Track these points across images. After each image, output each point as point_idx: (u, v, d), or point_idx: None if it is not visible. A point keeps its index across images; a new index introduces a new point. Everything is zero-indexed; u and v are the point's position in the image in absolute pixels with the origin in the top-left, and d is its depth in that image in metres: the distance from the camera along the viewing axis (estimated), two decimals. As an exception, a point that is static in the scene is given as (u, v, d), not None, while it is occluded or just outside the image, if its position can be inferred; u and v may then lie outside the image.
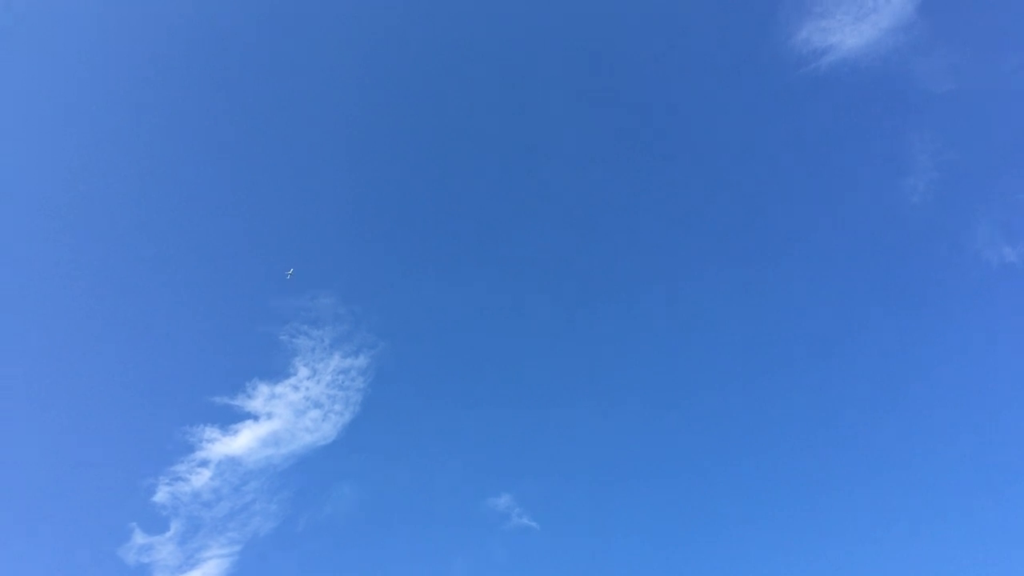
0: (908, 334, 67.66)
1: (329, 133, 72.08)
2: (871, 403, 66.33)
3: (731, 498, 64.20)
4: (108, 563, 59.25)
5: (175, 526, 61.07)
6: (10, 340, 63.74)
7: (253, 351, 65.80)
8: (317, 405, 64.99)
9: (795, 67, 68.83)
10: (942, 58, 66.87)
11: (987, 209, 66.16)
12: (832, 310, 69.27)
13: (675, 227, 71.79)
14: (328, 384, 65.53)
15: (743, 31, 70.88)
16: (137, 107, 68.89)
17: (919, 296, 67.96)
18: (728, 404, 67.19)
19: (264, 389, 64.49)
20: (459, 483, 65.50)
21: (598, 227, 71.98)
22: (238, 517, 62.15)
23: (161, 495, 61.57)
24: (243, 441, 63.45)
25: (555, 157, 73.42)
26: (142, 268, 67.10)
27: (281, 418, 64.20)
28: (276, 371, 65.12)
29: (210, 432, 63.08)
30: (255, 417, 63.93)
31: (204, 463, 62.65)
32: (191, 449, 62.65)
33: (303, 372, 65.41)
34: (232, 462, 63.05)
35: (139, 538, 60.22)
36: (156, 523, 60.92)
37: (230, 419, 63.64)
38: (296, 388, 65.02)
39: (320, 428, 64.56)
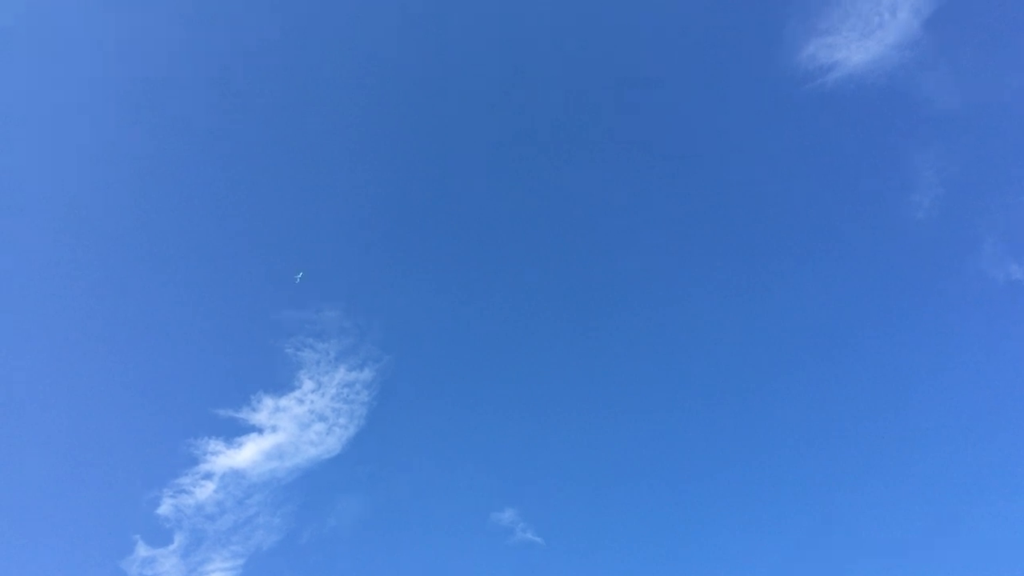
0: (913, 351, 67.60)
1: (334, 147, 72.46)
2: (876, 419, 66.17)
3: (741, 512, 64.26)
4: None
5: (179, 539, 61.08)
6: (13, 350, 63.90)
7: (258, 364, 66.00)
8: (322, 418, 65.11)
9: (800, 83, 69.12)
10: (948, 74, 67.14)
11: (993, 226, 66.13)
12: (836, 325, 69.31)
13: (682, 240, 71.85)
14: (333, 397, 65.62)
15: (749, 48, 71.39)
16: (143, 116, 69.29)
17: (924, 313, 68.02)
18: (736, 417, 67.16)
19: (269, 402, 64.63)
20: (463, 497, 65.57)
21: (605, 239, 72.10)
22: (242, 530, 62.19)
23: (165, 508, 61.63)
24: (247, 454, 63.51)
25: (562, 169, 73.72)
26: (146, 281, 67.34)
27: (286, 431, 64.29)
28: (281, 384, 65.29)
29: (214, 445, 63.19)
30: (260, 430, 64.03)
31: (208, 476, 62.70)
32: (195, 462, 62.77)
33: (308, 385, 65.53)
34: (236, 475, 63.09)
35: (142, 551, 60.23)
36: (160, 536, 60.99)
37: (235, 432, 63.79)
38: (301, 401, 65.13)
39: (324, 441, 64.62)
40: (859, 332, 68.63)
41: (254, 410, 64.15)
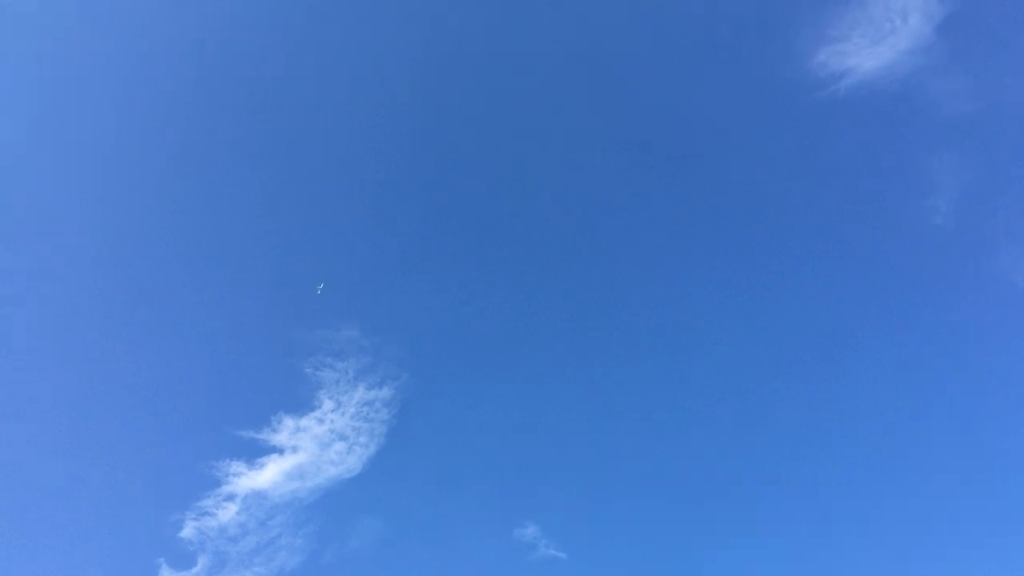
0: (932, 356, 67.23)
1: (346, 165, 72.77)
2: (894, 427, 66.01)
3: (766, 522, 63.89)
4: (136, 600, 59.44)
5: (202, 561, 61.13)
6: (33, 375, 64.35)
7: (278, 384, 66.16)
8: (342, 437, 65.13)
9: (812, 91, 69.00)
10: (962, 78, 66.89)
11: (1011, 229, 65.84)
12: (855, 330, 69.02)
13: (697, 250, 71.77)
14: (353, 416, 65.69)
15: (759, 57, 71.29)
16: (163, 137, 70.02)
17: (942, 317, 67.56)
18: (755, 428, 66.90)
19: (289, 422, 64.72)
20: (485, 514, 65.42)
21: (620, 250, 72.08)
22: (264, 551, 62.18)
23: (188, 530, 61.71)
24: (269, 475, 63.57)
25: (579, 181, 73.87)
26: (164, 304, 67.70)
27: (306, 451, 64.34)
28: (301, 404, 65.41)
29: (236, 466, 63.31)
30: (280, 451, 64.14)
31: (230, 497, 62.80)
32: (217, 484, 62.91)
33: (328, 405, 65.63)
34: (258, 496, 63.19)
35: (166, 574, 60.34)
36: (183, 559, 61.03)
37: (256, 453, 63.91)
38: (321, 421, 65.22)
39: (345, 461, 64.62)
40: (877, 337, 68.44)
41: (275, 431, 64.37)
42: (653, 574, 62.60)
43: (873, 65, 67.58)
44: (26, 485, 61.75)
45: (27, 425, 62.75)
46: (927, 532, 62.13)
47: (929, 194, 66.70)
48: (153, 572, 60.03)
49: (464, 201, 73.04)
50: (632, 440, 67.27)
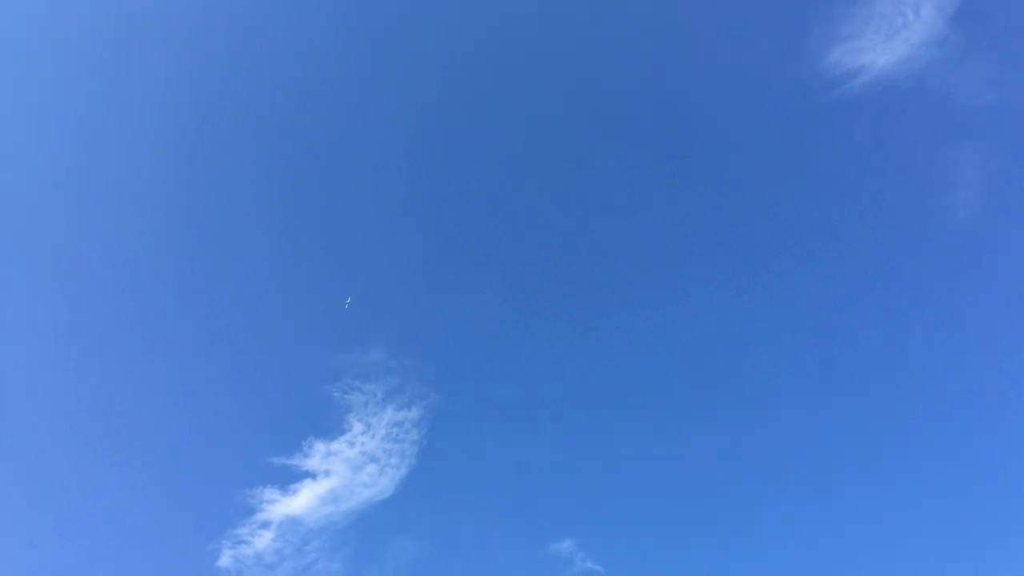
0: (961, 351, 66.33)
1: (368, 193, 73.50)
2: (919, 426, 65.26)
3: (804, 535, 63.00)
4: (177, 631, 59.75)
5: (240, 590, 61.40)
6: (64, 407, 65.16)
7: (308, 409, 66.56)
8: (373, 460, 65.22)
9: (827, 90, 68.57)
10: (980, 69, 66.09)
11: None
12: (882, 330, 68.34)
13: (720, 254, 71.43)
14: (383, 438, 65.79)
15: (772, 59, 71.12)
16: (190, 171, 71.09)
17: (973, 313, 66.63)
18: (793, 440, 66.22)
19: (320, 447, 64.97)
20: (520, 530, 65.07)
21: (646, 259, 72.05)
22: (302, 577, 62.30)
23: (225, 559, 61.95)
24: (303, 500, 63.74)
25: (595, 190, 74.01)
26: (193, 336, 68.63)
27: (339, 475, 64.46)
28: (331, 428, 65.66)
29: (270, 493, 63.57)
30: (313, 475, 64.32)
31: (266, 525, 62.98)
32: (252, 511, 63.13)
33: (358, 427, 65.79)
34: (293, 522, 63.31)
35: (206, 604, 60.61)
36: (222, 588, 61.37)
37: (289, 479, 64.15)
38: (352, 444, 65.36)
39: (378, 483, 64.66)
40: (905, 333, 67.74)
41: (306, 456, 64.61)
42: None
43: (887, 61, 67.26)
44: (63, 519, 62.67)
45: (62, 458, 63.83)
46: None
47: (953, 188, 66.01)
48: (193, 602, 60.50)
49: (482, 217, 73.58)
50: (668, 450, 67.10)
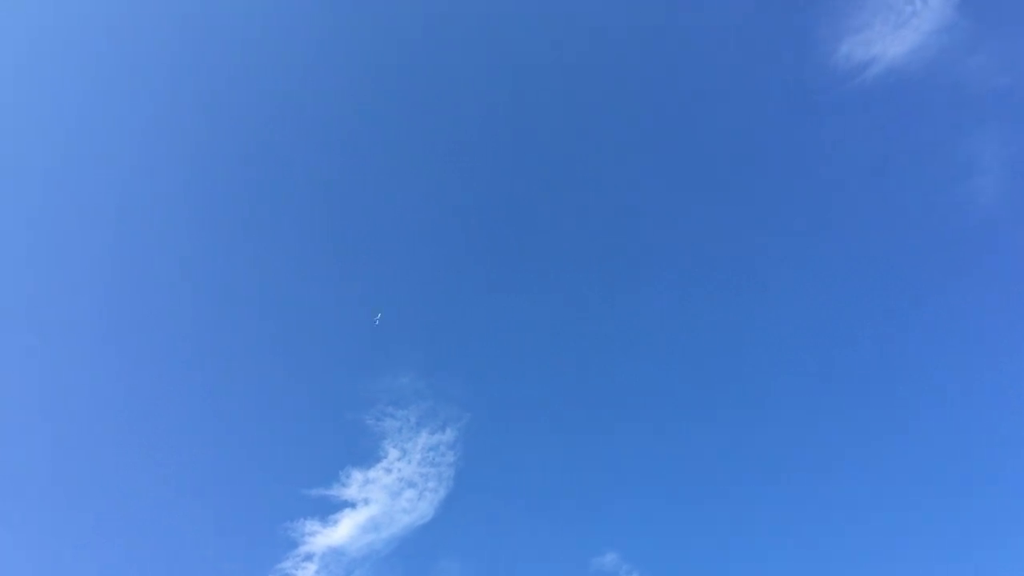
0: (989, 339, 65.99)
1: (389, 218, 73.50)
2: (944, 418, 65.04)
3: (847, 547, 62.82)
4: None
5: (289, 624, 61.54)
6: (102, 456, 65.45)
7: (342, 439, 66.68)
8: (411, 485, 65.25)
9: (839, 84, 68.32)
10: (992, 53, 65.77)
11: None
12: (912, 315, 68.00)
13: (745, 252, 71.14)
14: (419, 462, 65.81)
15: (781, 56, 70.88)
16: (227, 190, 71.32)
17: (998, 299, 66.27)
18: (847, 439, 66.04)
19: (358, 475, 65.00)
20: (562, 546, 64.92)
21: (671, 270, 71.79)
22: (348, 607, 62.40)
23: (271, 594, 62.13)
24: (344, 530, 63.80)
25: (609, 194, 73.76)
26: (223, 376, 68.75)
27: (378, 502, 64.54)
28: (367, 456, 65.79)
29: (311, 525, 63.68)
30: (352, 504, 64.40)
31: (309, 557, 63.08)
32: (295, 545, 63.24)
33: (393, 453, 65.86)
34: (336, 553, 63.38)
35: (256, 641, 60.79)
36: (271, 624, 61.51)
37: (328, 509, 64.28)
38: (388, 470, 65.43)
39: (417, 507, 64.71)
40: (934, 320, 67.43)
41: (344, 485, 64.69)
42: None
43: (898, 51, 66.93)
44: (109, 566, 62.90)
45: (103, 507, 64.15)
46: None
47: (973, 173, 65.64)
48: (243, 640, 60.68)
49: (506, 233, 73.45)
50: (708, 458, 66.91)
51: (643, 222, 72.29)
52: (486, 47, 75.08)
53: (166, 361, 68.18)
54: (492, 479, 66.83)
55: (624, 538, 63.96)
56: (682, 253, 71.54)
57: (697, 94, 73.23)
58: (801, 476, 65.78)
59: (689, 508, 65.93)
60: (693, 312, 70.57)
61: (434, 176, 74.17)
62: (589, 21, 73.83)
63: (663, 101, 73.83)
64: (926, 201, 67.55)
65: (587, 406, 69.14)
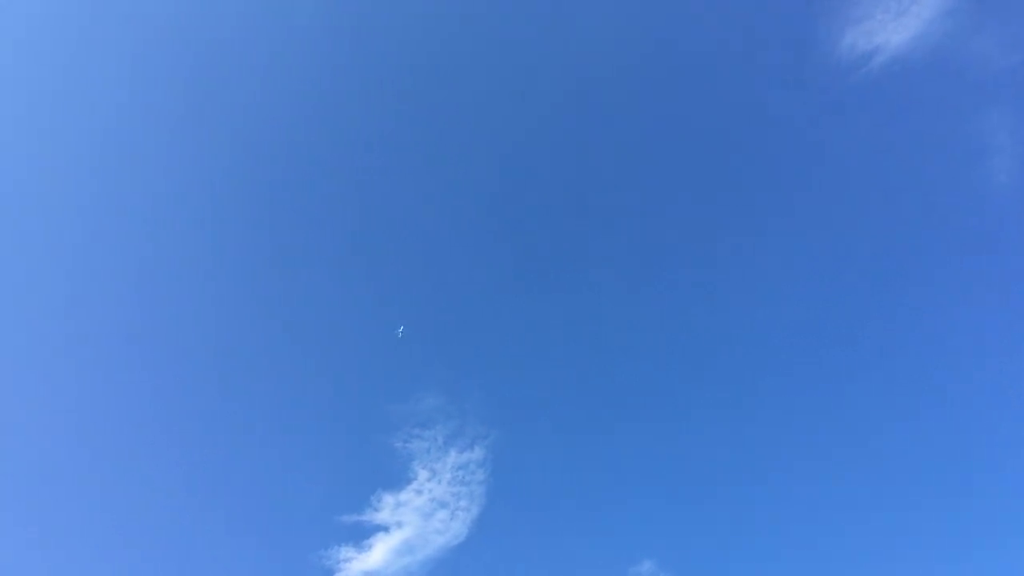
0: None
1: (402, 238, 74.04)
2: (974, 401, 64.26)
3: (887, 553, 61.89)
4: None
5: (329, 652, 61.37)
6: (135, 481, 65.90)
7: (371, 463, 66.72)
8: (443, 505, 65.12)
9: (845, 75, 68.04)
10: (996, 33, 65.23)
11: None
12: (931, 305, 67.27)
13: (768, 244, 70.84)
14: (449, 482, 65.71)
15: (785, 52, 70.77)
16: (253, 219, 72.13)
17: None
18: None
19: (389, 499, 65.03)
20: (597, 557, 64.37)
21: (687, 272, 71.49)
22: (387, 631, 62.16)
23: (310, 623, 62.06)
24: (378, 555, 63.67)
25: (624, 202, 73.72)
26: (254, 406, 69.19)
27: (411, 525, 64.42)
28: (397, 479, 65.76)
29: (345, 552, 63.59)
30: (385, 528, 64.31)
31: (345, 583, 63.04)
32: (331, 572, 63.13)
33: (423, 475, 65.75)
34: (371, 577, 63.32)
35: (298, 672, 60.65)
36: (311, 653, 61.40)
37: (361, 535, 64.22)
38: (419, 492, 65.33)
39: (450, 528, 64.48)
40: (957, 309, 66.55)
41: (376, 510, 64.68)
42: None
43: (902, 38, 66.61)
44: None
45: (134, 536, 64.61)
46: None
47: (988, 155, 64.97)
48: (284, 671, 60.58)
49: (519, 244, 73.69)
50: (741, 462, 66.31)
51: (656, 223, 72.47)
52: (507, 55, 75.56)
53: (196, 396, 68.85)
54: (523, 494, 66.73)
55: (659, 546, 63.54)
56: (691, 253, 71.48)
57: (700, 96, 73.30)
58: (836, 480, 64.94)
59: (723, 513, 65.38)
60: (718, 315, 70.33)
61: (451, 198, 74.76)
62: (591, 18, 74.14)
63: (667, 102, 73.94)
64: (940, 184, 67.09)
65: (614, 414, 69.04)
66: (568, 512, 66.04)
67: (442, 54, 74.91)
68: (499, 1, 75.67)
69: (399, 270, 73.30)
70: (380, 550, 63.76)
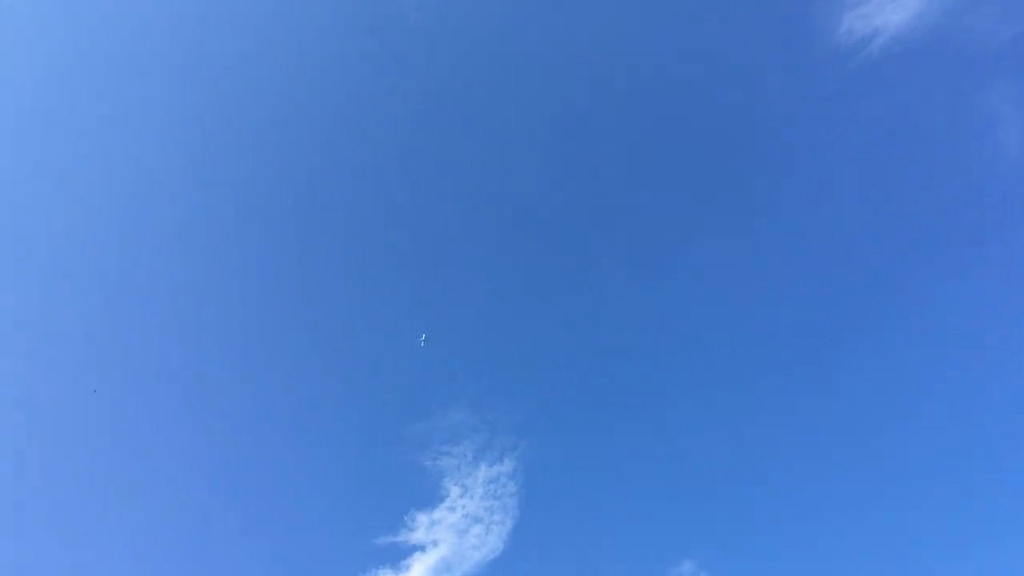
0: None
1: (420, 256, 74.13)
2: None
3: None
4: None
5: (374, 677, 61.29)
6: (173, 508, 66.07)
7: (402, 484, 66.66)
8: (477, 520, 64.98)
9: (846, 59, 67.88)
10: (995, 5, 65.12)
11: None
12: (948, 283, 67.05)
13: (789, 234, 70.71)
14: (482, 496, 65.60)
15: (783, 39, 70.70)
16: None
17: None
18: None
19: (423, 518, 64.90)
20: (635, 561, 64.14)
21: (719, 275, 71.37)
22: (431, 651, 62.01)
23: (353, 648, 61.94)
24: (416, 575, 63.64)
25: (635, 204, 73.61)
26: (291, 437, 69.31)
27: (446, 542, 64.30)
28: (429, 497, 65.70)
29: (383, 574, 63.49)
30: (422, 548, 64.21)
31: (385, 606, 62.92)
32: (371, 596, 63.11)
33: (455, 491, 65.71)
34: (411, 598, 63.18)
35: None
36: None
37: (399, 556, 64.06)
38: (452, 509, 65.25)
39: (486, 542, 64.38)
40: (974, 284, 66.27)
41: (411, 529, 64.54)
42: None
43: (900, 19, 66.48)
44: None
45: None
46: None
47: (996, 128, 64.74)
48: None
49: (538, 253, 73.62)
50: (774, 456, 66.18)
51: (657, 223, 72.42)
52: (507, 55, 75.57)
53: (225, 427, 68.93)
54: (557, 502, 66.56)
55: (697, 545, 63.27)
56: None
57: (699, 92, 73.20)
58: (877, 477, 64.65)
59: (759, 511, 65.07)
60: (740, 313, 70.15)
61: (469, 212, 74.80)
62: (589, 16, 74.15)
63: (665, 96, 73.89)
64: (952, 160, 66.74)
65: (642, 416, 68.81)
66: (603, 516, 66.03)
67: (445, 59, 75.21)
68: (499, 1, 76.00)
69: (412, 287, 73.41)
70: (418, 570, 63.69)
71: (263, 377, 70.49)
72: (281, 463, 68.78)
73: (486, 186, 74.83)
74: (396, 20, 73.93)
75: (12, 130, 70.35)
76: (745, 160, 72.33)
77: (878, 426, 65.27)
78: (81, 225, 70.62)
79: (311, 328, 72.20)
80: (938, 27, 65.89)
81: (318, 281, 72.84)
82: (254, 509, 66.84)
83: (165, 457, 67.57)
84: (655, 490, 66.02)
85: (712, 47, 72.31)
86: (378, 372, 70.85)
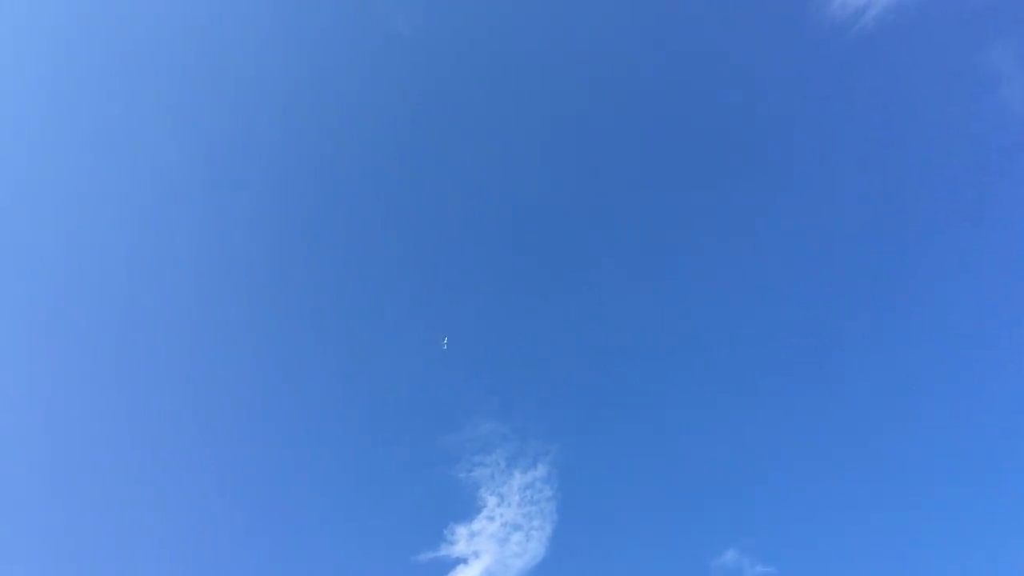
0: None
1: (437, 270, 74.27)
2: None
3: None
4: None
5: None
6: (209, 530, 66.20)
7: (439, 498, 66.58)
8: (516, 528, 64.91)
9: (840, 32, 67.67)
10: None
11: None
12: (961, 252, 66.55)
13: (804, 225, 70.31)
14: (519, 503, 65.56)
15: (774, 19, 70.49)
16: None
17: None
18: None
19: (462, 531, 64.91)
20: (679, 553, 63.96)
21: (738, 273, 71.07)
22: (482, 664, 61.95)
23: (404, 667, 61.97)
24: (462, 588, 63.63)
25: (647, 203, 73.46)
26: (321, 456, 69.43)
27: (488, 552, 64.28)
28: (467, 509, 65.69)
29: (428, 590, 63.57)
30: (464, 560, 64.20)
31: (433, 622, 62.93)
32: (418, 613, 63.14)
33: (491, 501, 65.69)
34: (458, 611, 63.17)
35: None
36: None
37: (441, 570, 64.00)
38: (491, 519, 65.24)
39: (527, 549, 64.32)
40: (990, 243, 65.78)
41: (451, 543, 64.57)
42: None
43: (892, -14, 66.06)
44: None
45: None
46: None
47: (998, 86, 64.29)
48: None
49: (555, 254, 73.57)
50: (815, 449, 65.99)
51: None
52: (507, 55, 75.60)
53: (260, 453, 69.17)
54: (594, 503, 66.40)
55: (740, 533, 63.02)
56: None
57: (698, 84, 73.05)
58: (917, 468, 64.40)
59: (801, 494, 64.77)
60: (765, 308, 69.97)
61: (478, 217, 74.87)
62: (586, 14, 74.22)
63: (662, 90, 73.75)
64: (955, 123, 66.35)
65: (675, 410, 68.64)
66: (641, 513, 65.83)
67: (446, 61, 75.34)
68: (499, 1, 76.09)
69: (424, 297, 73.49)
70: (463, 583, 63.76)
71: (289, 398, 70.75)
72: (313, 487, 68.86)
73: (486, 186, 75.08)
74: (397, 20, 74.51)
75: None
76: (742, 146, 72.18)
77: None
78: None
79: (334, 345, 72.45)
80: (931, -9, 65.62)
81: (333, 296, 73.17)
82: (296, 537, 67.04)
83: (201, 473, 67.78)
84: (691, 482, 66.08)
85: (702, 32, 72.34)
86: (403, 388, 71.02)
